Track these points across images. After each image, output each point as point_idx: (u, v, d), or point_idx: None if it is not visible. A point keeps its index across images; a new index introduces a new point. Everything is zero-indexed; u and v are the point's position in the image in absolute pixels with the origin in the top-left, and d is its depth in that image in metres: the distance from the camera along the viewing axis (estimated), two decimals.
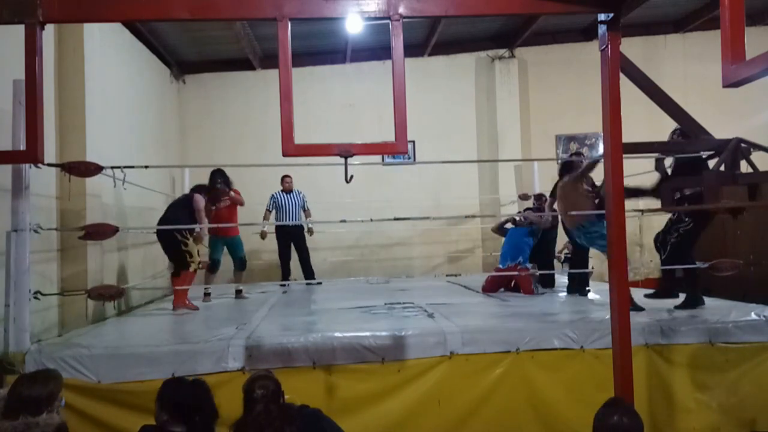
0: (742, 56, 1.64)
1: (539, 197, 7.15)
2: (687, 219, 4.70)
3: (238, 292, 6.54)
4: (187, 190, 8.27)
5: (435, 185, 9.20)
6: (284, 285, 7.38)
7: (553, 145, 9.34)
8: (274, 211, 7.62)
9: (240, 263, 6.61)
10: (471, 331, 3.96)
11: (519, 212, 7.29)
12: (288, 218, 7.51)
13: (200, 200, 5.65)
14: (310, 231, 7.70)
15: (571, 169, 5.50)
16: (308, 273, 7.60)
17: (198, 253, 5.55)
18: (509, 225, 6.75)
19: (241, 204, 6.46)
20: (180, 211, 5.57)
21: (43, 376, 2.58)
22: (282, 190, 7.67)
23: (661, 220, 5.43)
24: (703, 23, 8.88)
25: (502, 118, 9.31)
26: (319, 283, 7.57)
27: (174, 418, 2.49)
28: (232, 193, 6.19)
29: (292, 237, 7.65)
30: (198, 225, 5.51)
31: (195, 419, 2.47)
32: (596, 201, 5.15)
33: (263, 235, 7.61)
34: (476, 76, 9.57)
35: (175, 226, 5.31)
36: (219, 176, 6.03)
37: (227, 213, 6.30)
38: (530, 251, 6.29)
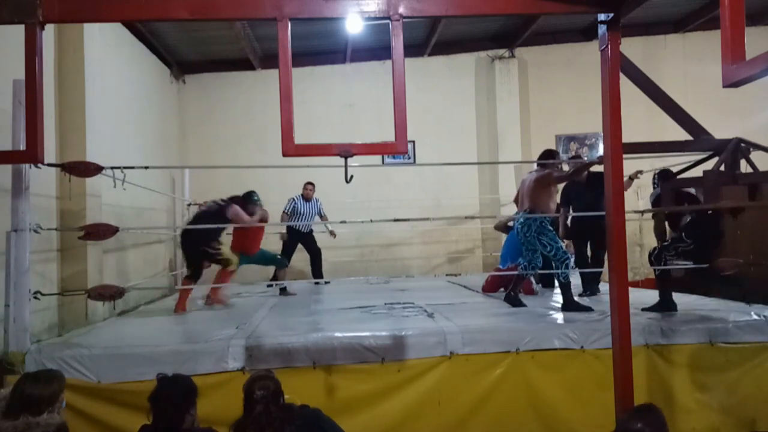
0: (742, 56, 1.64)
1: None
2: (689, 240, 4.63)
3: (283, 290, 6.67)
4: (187, 191, 8.33)
5: (435, 185, 9.20)
6: (271, 285, 7.40)
7: (553, 146, 9.33)
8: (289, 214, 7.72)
9: (279, 263, 6.74)
10: (471, 331, 3.96)
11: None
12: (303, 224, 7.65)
13: (239, 211, 5.66)
14: (333, 233, 7.80)
15: (550, 159, 5.42)
16: (318, 274, 7.73)
17: (232, 254, 5.81)
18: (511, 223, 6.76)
19: (266, 221, 6.42)
20: (212, 222, 5.46)
21: (46, 376, 2.58)
22: (302, 196, 7.71)
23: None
24: (703, 23, 8.88)
25: (502, 118, 9.31)
26: (327, 282, 7.73)
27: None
28: (260, 212, 6.17)
29: (302, 241, 7.78)
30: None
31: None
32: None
33: (283, 237, 7.73)
34: (476, 76, 9.57)
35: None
36: (255, 195, 6.14)
37: (252, 234, 6.34)
38: None
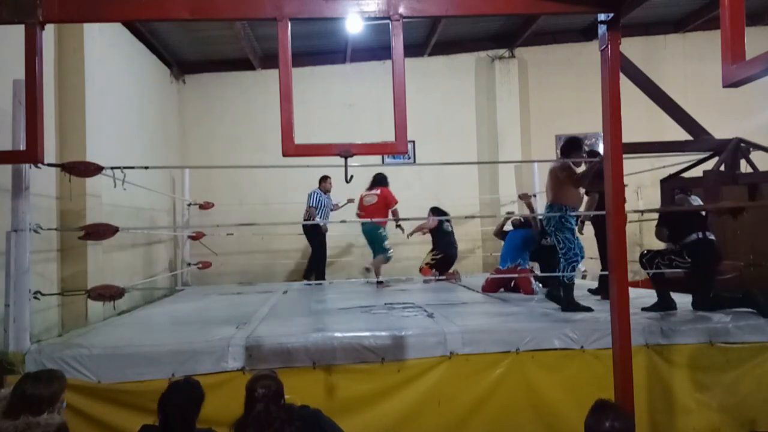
0: (742, 56, 1.64)
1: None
2: (689, 259, 4.58)
3: (380, 283, 6.99)
4: (187, 190, 8.32)
5: (435, 185, 9.20)
6: (309, 283, 7.44)
7: (553, 145, 9.35)
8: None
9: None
10: (471, 331, 3.96)
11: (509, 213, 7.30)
12: (324, 218, 7.66)
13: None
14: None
15: (572, 150, 5.30)
16: (319, 274, 7.69)
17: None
18: (508, 227, 6.76)
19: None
20: None
21: (48, 376, 2.58)
22: (322, 190, 7.73)
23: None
24: (703, 23, 8.89)
25: (502, 118, 9.31)
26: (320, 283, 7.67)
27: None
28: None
29: (323, 237, 7.80)
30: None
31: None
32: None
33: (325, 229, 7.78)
34: (476, 76, 9.57)
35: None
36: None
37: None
38: (531, 252, 6.30)
